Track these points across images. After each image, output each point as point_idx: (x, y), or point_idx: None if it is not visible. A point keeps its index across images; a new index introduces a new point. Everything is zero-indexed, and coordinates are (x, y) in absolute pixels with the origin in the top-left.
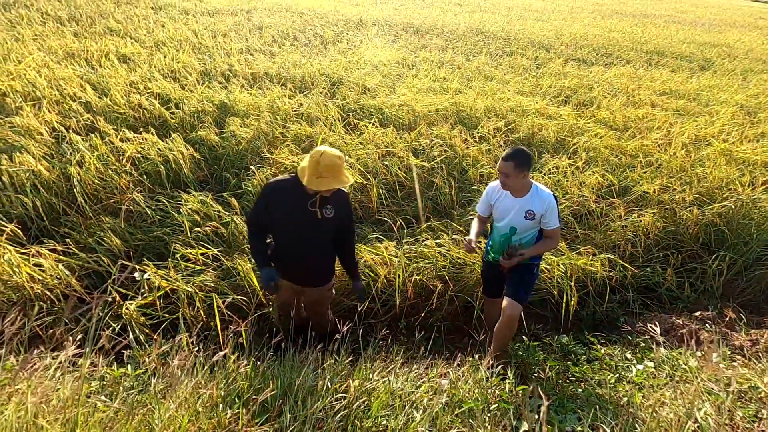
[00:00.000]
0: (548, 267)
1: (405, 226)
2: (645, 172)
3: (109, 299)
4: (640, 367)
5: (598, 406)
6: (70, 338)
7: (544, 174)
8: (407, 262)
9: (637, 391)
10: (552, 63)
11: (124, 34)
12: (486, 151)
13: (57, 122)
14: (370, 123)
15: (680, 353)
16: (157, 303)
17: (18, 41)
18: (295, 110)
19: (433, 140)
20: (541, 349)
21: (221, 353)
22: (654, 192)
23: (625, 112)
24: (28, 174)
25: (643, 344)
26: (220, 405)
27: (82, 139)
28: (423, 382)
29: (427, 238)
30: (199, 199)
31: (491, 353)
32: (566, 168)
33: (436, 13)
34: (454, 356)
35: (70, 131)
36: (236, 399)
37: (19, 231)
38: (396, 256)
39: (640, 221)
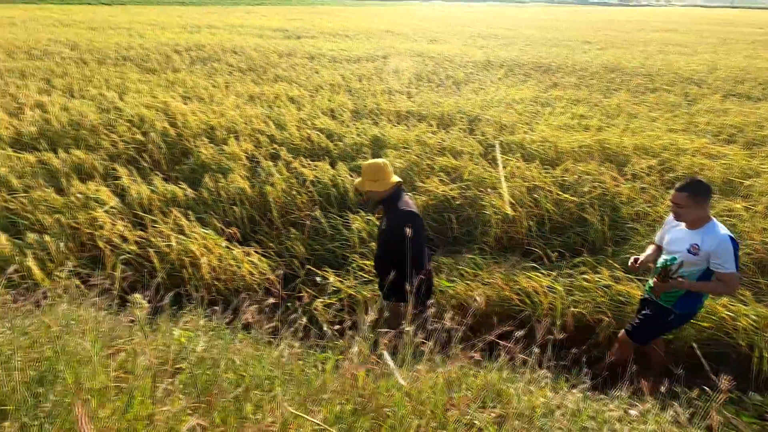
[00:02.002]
0: (731, 315)
1: (556, 258)
2: None
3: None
4: None
5: None
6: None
7: (714, 216)
8: (563, 294)
9: None
10: (706, 99)
11: (290, 80)
12: (641, 190)
13: (252, 150)
14: (513, 158)
15: None
16: (339, 304)
17: (215, 87)
18: (439, 144)
19: (580, 176)
20: (730, 402)
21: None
22: None
23: None
24: (237, 190)
25: None
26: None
27: (273, 165)
28: (609, 410)
29: (586, 272)
30: (365, 219)
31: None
32: (742, 212)
33: (565, 52)
34: (628, 391)
35: (262, 158)
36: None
37: (237, 234)
38: (552, 289)
39: None
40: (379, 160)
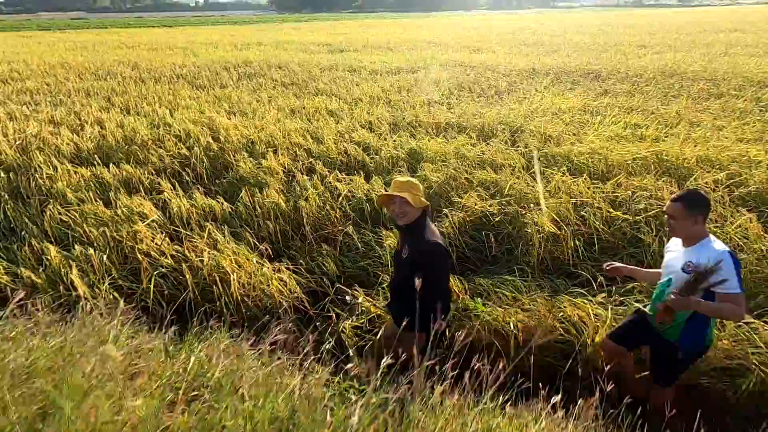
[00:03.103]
0: None
1: (605, 283)
2: None
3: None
4: None
5: None
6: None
7: None
8: (613, 323)
9: None
10: None
11: (330, 93)
12: None
13: (288, 164)
14: (558, 171)
15: None
16: (368, 325)
17: (258, 102)
18: (479, 157)
19: (634, 192)
20: None
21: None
22: None
23: None
24: (272, 205)
25: None
26: None
27: (309, 179)
28: None
29: (641, 300)
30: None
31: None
32: None
33: (617, 57)
34: None
35: (298, 172)
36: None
37: (269, 250)
38: (601, 318)
39: None
40: (405, 178)
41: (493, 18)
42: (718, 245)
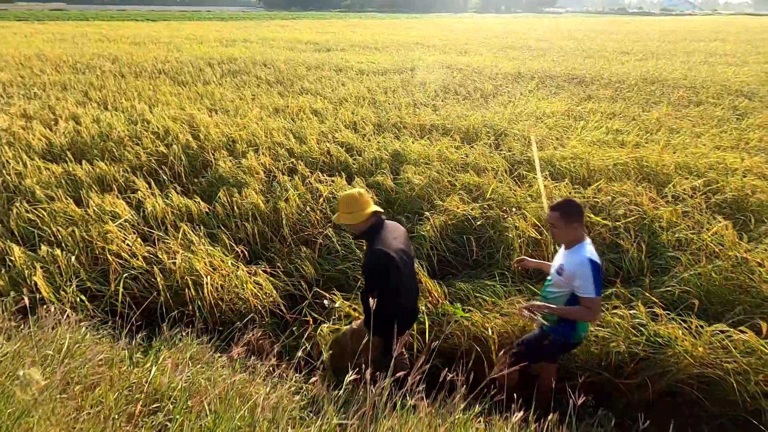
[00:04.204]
0: None
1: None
2: None
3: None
4: None
5: None
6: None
7: None
8: (592, 329)
9: None
10: (759, 113)
11: (315, 92)
12: (683, 214)
13: (270, 164)
14: (541, 176)
15: None
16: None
17: (242, 100)
18: (462, 160)
19: (614, 197)
20: None
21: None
22: None
23: None
24: (250, 206)
25: None
26: None
27: (290, 180)
28: None
29: (618, 306)
30: None
31: None
32: None
33: (601, 63)
34: None
35: (279, 172)
36: None
37: (246, 252)
38: None
39: None
40: (355, 190)
41: (481, 21)
42: (587, 252)
